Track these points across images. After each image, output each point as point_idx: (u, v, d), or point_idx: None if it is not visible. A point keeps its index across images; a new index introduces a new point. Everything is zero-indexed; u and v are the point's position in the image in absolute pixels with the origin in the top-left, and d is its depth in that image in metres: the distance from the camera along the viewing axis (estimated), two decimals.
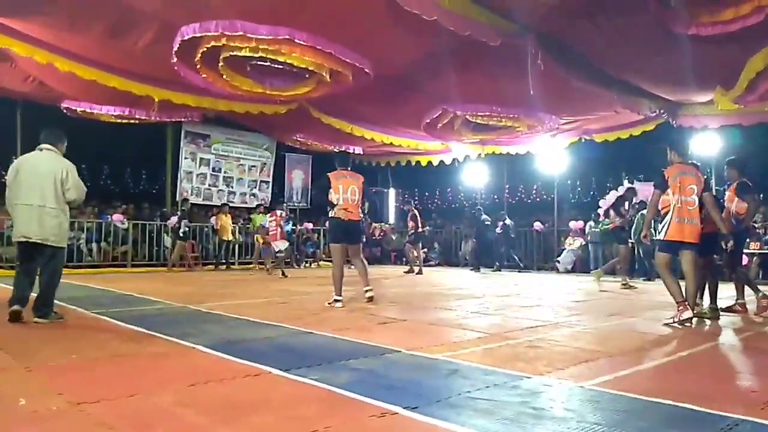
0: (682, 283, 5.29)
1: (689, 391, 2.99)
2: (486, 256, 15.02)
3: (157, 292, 7.83)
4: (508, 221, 14.90)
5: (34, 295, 5.05)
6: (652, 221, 5.73)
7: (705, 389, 3.06)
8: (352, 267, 7.68)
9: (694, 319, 5.21)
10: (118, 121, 12.35)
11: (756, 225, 8.18)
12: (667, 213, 5.35)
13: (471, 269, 14.45)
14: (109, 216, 13.61)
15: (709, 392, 2.98)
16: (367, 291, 6.70)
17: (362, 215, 6.89)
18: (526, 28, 7.24)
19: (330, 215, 6.51)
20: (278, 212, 11.91)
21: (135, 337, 4.42)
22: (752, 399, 2.83)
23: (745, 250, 7.01)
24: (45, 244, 4.94)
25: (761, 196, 7.14)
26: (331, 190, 6.43)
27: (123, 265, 13.08)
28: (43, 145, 5.12)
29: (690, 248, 5.26)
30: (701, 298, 5.80)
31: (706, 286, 5.93)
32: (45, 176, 4.95)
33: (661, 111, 10.40)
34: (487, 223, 14.92)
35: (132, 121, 12.47)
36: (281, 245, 11.68)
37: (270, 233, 11.78)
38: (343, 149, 6.53)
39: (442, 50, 7.98)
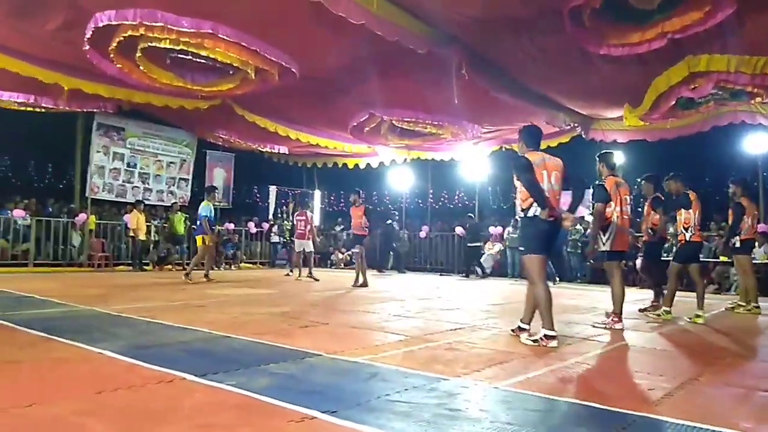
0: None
1: (595, 390, 3.17)
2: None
3: (61, 293, 7.33)
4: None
5: None
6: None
7: (609, 388, 3.26)
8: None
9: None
10: (22, 109, 11.45)
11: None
12: (608, 224, 5.56)
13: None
14: (9, 211, 12.58)
15: (613, 391, 3.17)
16: (548, 335, 4.43)
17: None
18: (452, 39, 7.43)
19: (531, 213, 4.50)
20: (308, 212, 12.16)
21: (34, 342, 4.11)
22: (649, 396, 3.04)
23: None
24: None
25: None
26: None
27: (24, 265, 12.16)
28: None
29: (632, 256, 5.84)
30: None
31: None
32: None
33: (575, 124, 11.02)
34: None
35: (38, 110, 11.60)
36: (308, 245, 11.76)
37: (298, 232, 11.83)
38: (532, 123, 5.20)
39: (370, 54, 8.02)
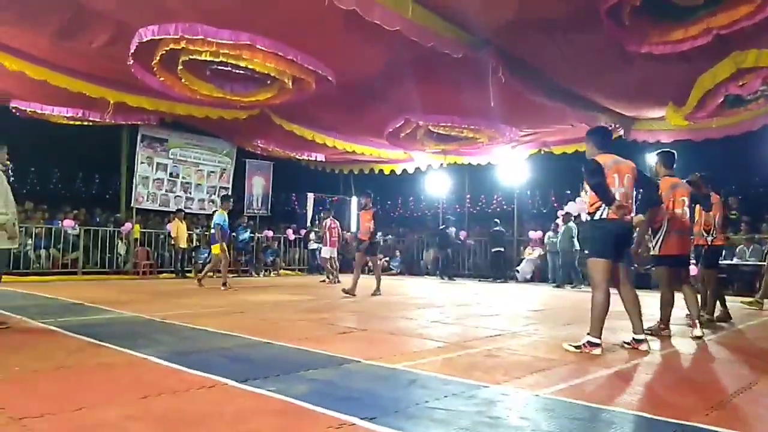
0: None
1: (641, 398, 3.06)
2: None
3: (108, 300, 7.57)
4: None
5: None
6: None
7: (656, 396, 3.14)
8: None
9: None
10: (71, 122, 11.94)
11: None
12: (659, 227, 5.29)
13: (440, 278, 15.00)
14: (59, 221, 13.11)
15: (661, 399, 3.06)
16: (592, 342, 4.33)
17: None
18: (487, 42, 7.37)
19: (598, 216, 4.40)
20: (337, 222, 13.25)
21: (83, 348, 4.25)
22: (697, 406, 2.92)
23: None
24: None
25: None
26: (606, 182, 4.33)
27: (73, 273, 12.63)
28: None
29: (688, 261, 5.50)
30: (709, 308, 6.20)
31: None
32: None
33: (616, 125, 10.74)
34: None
35: (85, 123, 12.08)
36: (334, 251, 12.84)
37: (331, 239, 12.68)
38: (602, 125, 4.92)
39: (405, 60, 8.03)
